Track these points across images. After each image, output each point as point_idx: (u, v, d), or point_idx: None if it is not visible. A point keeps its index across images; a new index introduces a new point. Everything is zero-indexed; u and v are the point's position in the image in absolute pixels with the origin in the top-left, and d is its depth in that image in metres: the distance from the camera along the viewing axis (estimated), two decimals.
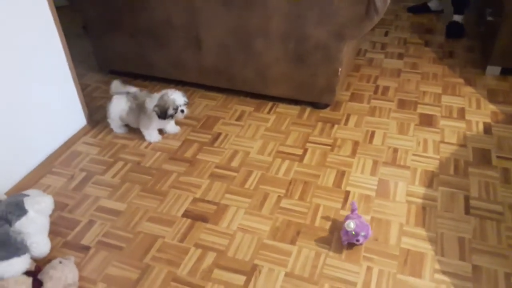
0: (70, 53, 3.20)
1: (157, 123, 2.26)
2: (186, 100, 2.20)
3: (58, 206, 1.95)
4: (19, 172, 2.09)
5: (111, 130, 2.43)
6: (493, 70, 2.81)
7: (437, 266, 1.61)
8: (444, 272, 1.59)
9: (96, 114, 2.58)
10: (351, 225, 1.62)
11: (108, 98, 2.71)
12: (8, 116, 1.97)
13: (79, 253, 1.73)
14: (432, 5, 3.70)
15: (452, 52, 3.12)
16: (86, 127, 2.46)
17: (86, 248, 1.75)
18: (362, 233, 1.62)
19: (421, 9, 3.73)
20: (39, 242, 1.61)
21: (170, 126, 2.39)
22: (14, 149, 2.03)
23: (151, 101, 2.19)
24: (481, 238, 1.71)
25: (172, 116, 2.18)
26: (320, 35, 2.22)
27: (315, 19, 2.18)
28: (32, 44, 2.03)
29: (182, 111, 2.19)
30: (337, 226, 1.79)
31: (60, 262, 1.55)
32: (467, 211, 1.83)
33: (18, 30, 1.95)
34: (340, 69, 2.30)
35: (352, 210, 1.76)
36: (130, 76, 2.92)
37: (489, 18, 2.88)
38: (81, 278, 1.62)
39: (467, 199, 1.89)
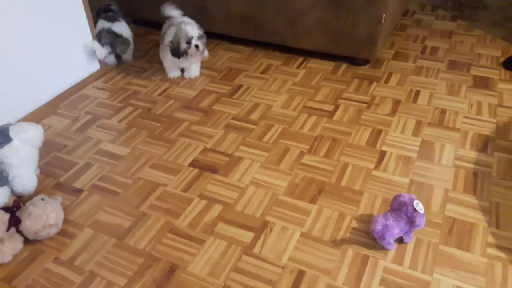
0: (95, 3, 3.03)
1: (174, 59, 2.05)
2: (201, 32, 1.96)
3: (56, 147, 1.76)
4: (22, 110, 1.92)
5: (125, 77, 2.23)
6: None
7: (490, 240, 1.30)
8: (499, 247, 1.28)
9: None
10: (420, 205, 1.23)
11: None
12: (17, 52, 1.82)
13: (70, 195, 1.53)
14: None
15: None
16: (99, 71, 2.26)
17: (78, 191, 1.55)
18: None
19: None
20: (23, 176, 1.42)
21: (193, 68, 2.16)
22: (19, 86, 1.87)
23: (171, 33, 1.99)
24: None
25: (186, 53, 1.95)
26: None
27: None
28: None
29: (197, 46, 1.95)
30: (367, 187, 1.51)
31: (42, 199, 1.35)
32: None
33: None
34: (384, 16, 1.99)
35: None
36: (153, 27, 2.71)
37: None
38: (66, 222, 1.42)
39: None
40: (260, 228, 1.37)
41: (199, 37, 1.96)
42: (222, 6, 2.31)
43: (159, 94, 2.08)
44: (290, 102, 1.98)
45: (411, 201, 1.22)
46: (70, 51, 2.09)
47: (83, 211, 1.47)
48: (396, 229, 1.24)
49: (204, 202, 1.48)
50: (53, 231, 1.34)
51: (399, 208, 1.24)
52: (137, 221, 1.42)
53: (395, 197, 1.28)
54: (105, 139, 1.80)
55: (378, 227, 1.24)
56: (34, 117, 1.94)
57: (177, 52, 1.95)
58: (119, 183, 1.58)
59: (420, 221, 1.22)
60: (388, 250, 1.28)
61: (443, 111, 1.88)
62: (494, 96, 1.97)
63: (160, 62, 2.24)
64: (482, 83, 2.07)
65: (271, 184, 1.54)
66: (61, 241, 1.36)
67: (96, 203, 1.50)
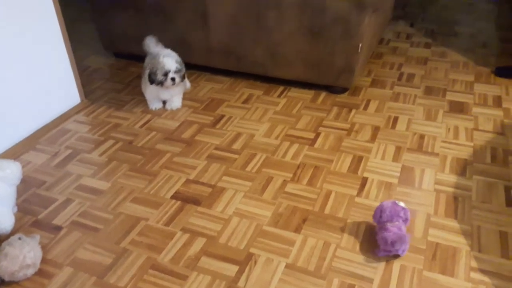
0: (77, 36, 3.06)
1: (154, 90, 2.08)
2: (179, 66, 1.98)
3: (35, 183, 1.73)
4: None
5: (106, 109, 2.22)
6: None
7: (473, 264, 1.31)
8: (483, 271, 1.28)
9: (93, 94, 2.37)
10: (401, 202, 1.37)
11: (107, 79, 2.53)
12: None
13: (48, 233, 1.50)
14: None
15: (485, 43, 2.83)
16: (79, 105, 2.25)
17: (57, 229, 1.51)
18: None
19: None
20: None
21: (175, 100, 2.18)
22: None
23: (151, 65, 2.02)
24: None
25: (162, 84, 1.97)
26: (338, 6, 1.97)
27: None
28: (25, 15, 1.86)
29: (173, 79, 1.97)
30: (350, 214, 1.51)
31: (20, 239, 1.31)
32: (509, 203, 1.53)
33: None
34: (360, 45, 2.04)
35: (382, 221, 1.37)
36: (134, 59, 2.73)
37: None
38: (45, 261, 1.38)
39: (508, 190, 1.59)
40: (245, 261, 1.36)
41: (177, 71, 1.98)
42: (203, 38, 2.35)
43: (141, 126, 2.08)
44: (272, 131, 2.00)
45: (396, 204, 1.33)
46: (50, 85, 2.08)
47: (63, 249, 1.43)
48: (406, 236, 1.29)
49: (187, 235, 1.46)
50: (30, 271, 1.30)
51: (392, 217, 1.31)
52: (118, 257, 1.39)
53: (382, 210, 1.34)
54: (86, 173, 1.78)
55: (404, 246, 1.28)
56: (13, 153, 1.91)
57: (152, 81, 1.99)
58: (100, 218, 1.55)
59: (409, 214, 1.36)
60: (374, 278, 1.28)
61: (422, 136, 1.91)
62: (470, 120, 2.02)
63: (141, 95, 2.24)
64: (457, 108, 2.12)
65: (255, 215, 1.53)
66: (38, 282, 1.32)
67: (75, 240, 1.46)
